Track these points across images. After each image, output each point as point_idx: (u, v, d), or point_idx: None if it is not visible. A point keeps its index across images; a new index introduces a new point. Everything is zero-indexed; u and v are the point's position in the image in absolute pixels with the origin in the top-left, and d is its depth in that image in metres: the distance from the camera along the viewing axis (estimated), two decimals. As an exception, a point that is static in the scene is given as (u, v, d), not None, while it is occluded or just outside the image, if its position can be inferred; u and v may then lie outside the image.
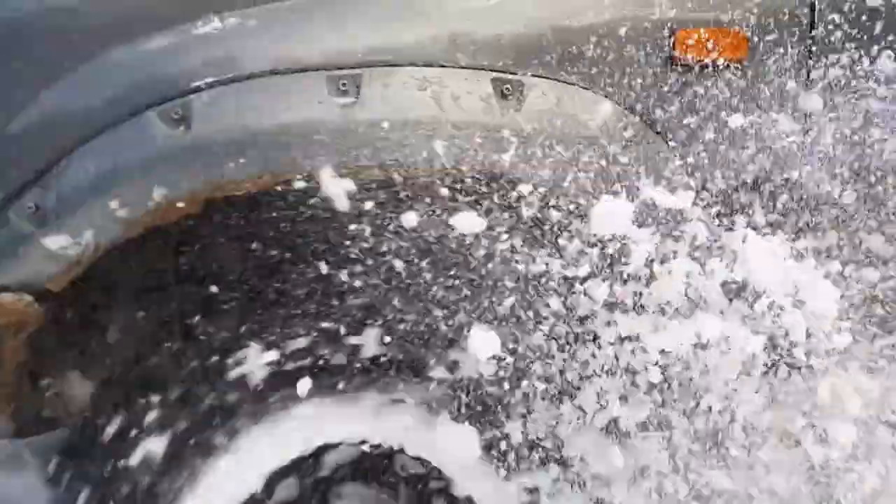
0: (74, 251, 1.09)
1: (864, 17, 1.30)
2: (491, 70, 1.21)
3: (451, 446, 1.27)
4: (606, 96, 1.26)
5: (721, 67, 1.29)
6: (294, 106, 1.14)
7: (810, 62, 1.32)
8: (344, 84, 1.15)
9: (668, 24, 1.27)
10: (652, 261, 1.18)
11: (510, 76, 1.21)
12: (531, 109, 1.21)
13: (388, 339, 1.24)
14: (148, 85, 1.13)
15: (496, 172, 1.18)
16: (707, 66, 1.28)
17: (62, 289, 1.12)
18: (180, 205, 1.11)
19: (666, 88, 1.28)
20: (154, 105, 1.12)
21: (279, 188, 1.14)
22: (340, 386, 1.26)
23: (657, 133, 1.29)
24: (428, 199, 1.18)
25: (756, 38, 1.30)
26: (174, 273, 1.30)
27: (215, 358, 1.24)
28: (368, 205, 1.17)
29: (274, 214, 1.23)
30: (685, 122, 1.30)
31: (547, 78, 1.23)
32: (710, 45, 1.28)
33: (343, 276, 1.24)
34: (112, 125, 1.13)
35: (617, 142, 1.24)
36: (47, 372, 1.23)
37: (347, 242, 1.21)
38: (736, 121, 1.30)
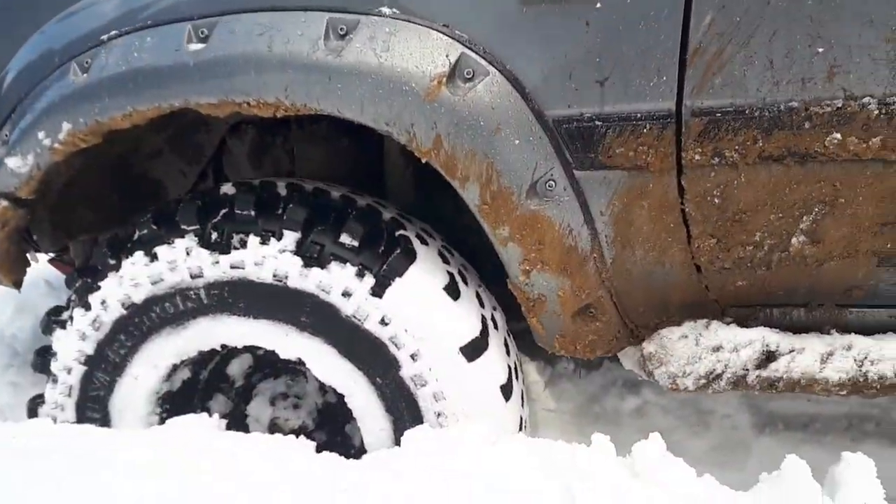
0: (25, 169, 1.47)
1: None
2: (327, 10, 1.29)
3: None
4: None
5: None
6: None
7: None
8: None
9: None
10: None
11: (347, 16, 1.28)
12: (359, 51, 1.27)
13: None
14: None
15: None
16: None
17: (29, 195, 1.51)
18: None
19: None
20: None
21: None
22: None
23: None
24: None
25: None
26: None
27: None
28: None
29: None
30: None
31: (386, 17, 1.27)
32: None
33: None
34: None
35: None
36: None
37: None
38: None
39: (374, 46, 1.26)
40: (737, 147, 1.24)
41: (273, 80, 1.28)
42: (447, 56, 1.26)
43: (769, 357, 1.35)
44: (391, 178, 1.91)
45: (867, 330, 1.39)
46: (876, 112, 1.18)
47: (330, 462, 1.39)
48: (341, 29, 1.27)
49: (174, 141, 1.90)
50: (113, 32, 1.39)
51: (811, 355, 1.34)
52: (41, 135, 1.42)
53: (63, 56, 1.43)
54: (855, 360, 1.33)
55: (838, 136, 1.20)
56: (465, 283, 1.56)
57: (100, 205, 1.86)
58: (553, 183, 1.29)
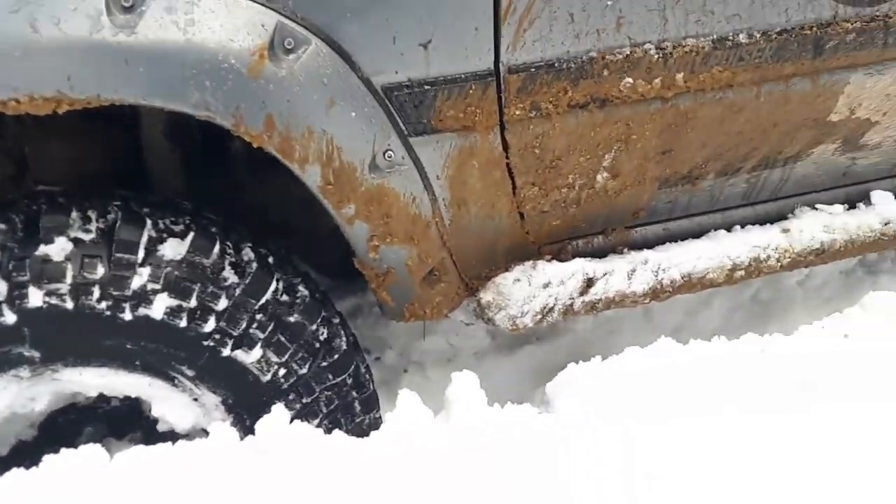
0: None
1: None
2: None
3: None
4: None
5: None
6: None
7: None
8: None
9: None
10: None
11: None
12: (158, 25, 1.06)
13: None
14: None
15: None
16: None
17: None
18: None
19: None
20: None
21: None
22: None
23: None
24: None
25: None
26: None
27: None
28: None
29: None
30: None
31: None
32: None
33: None
34: None
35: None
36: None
37: None
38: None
39: (176, 19, 1.07)
40: (550, 99, 1.33)
41: (50, 69, 1.02)
42: (262, 26, 1.12)
43: (589, 283, 1.51)
44: (155, 166, 1.66)
45: (647, 244, 1.63)
46: (655, 56, 1.36)
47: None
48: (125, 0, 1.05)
49: None
50: None
51: (620, 275, 1.53)
52: None
53: None
54: (652, 272, 1.55)
55: (629, 80, 1.36)
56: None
57: None
58: (392, 153, 1.26)
